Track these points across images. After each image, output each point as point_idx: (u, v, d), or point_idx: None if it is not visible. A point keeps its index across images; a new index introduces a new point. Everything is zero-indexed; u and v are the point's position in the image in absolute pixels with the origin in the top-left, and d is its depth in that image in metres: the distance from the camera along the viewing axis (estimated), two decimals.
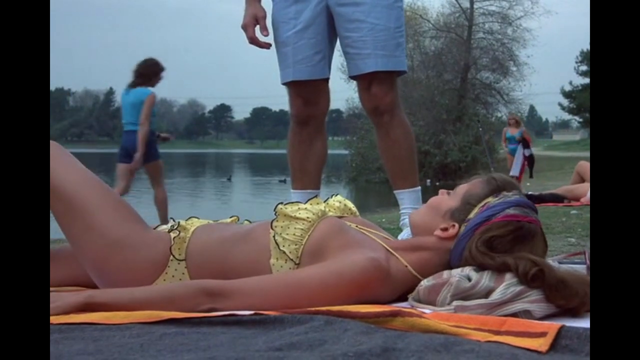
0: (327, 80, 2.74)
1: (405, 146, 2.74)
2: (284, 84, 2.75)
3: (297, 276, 1.46)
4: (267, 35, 2.68)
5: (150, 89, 5.81)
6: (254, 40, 2.68)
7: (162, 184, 6.07)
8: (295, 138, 2.80)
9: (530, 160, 10.77)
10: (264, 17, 2.68)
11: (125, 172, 5.82)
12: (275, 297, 1.41)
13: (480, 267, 1.45)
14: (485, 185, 1.58)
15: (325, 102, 2.77)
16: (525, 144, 10.80)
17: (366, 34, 2.58)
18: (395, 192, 2.80)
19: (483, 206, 1.54)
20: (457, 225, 1.54)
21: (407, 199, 2.75)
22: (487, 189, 1.57)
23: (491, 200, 1.54)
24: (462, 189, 1.61)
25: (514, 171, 10.51)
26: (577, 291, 1.36)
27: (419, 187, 2.78)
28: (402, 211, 2.78)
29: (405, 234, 2.56)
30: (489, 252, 1.46)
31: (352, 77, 2.73)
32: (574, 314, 1.37)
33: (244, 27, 2.67)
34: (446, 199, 1.61)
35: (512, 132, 11.70)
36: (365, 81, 2.66)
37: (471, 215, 1.54)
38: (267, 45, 2.71)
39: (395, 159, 2.75)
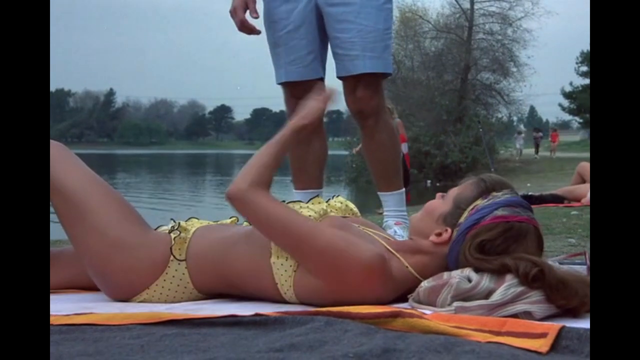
0: (321, 79, 2.69)
1: (390, 150, 2.72)
2: (278, 84, 2.73)
3: (316, 234, 1.50)
4: (257, 17, 2.59)
5: None
6: (243, 24, 2.57)
7: None
8: None
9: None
10: (254, 1, 2.58)
11: None
12: (288, 238, 1.50)
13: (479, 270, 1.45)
14: (475, 187, 1.56)
15: None
16: None
17: (355, 35, 2.54)
18: (379, 194, 2.79)
19: (472, 209, 1.52)
20: (449, 230, 1.53)
21: (391, 202, 2.74)
22: (476, 191, 1.55)
23: (480, 202, 1.53)
24: (453, 192, 1.59)
25: None
26: (578, 291, 1.36)
27: (403, 189, 2.77)
28: (385, 213, 2.78)
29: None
30: (484, 256, 1.44)
31: (340, 78, 2.68)
32: (574, 314, 1.37)
33: (233, 12, 2.56)
34: (440, 204, 1.59)
35: None
36: (351, 84, 2.61)
37: (461, 220, 1.52)
38: (257, 31, 2.62)
39: (380, 162, 2.74)
